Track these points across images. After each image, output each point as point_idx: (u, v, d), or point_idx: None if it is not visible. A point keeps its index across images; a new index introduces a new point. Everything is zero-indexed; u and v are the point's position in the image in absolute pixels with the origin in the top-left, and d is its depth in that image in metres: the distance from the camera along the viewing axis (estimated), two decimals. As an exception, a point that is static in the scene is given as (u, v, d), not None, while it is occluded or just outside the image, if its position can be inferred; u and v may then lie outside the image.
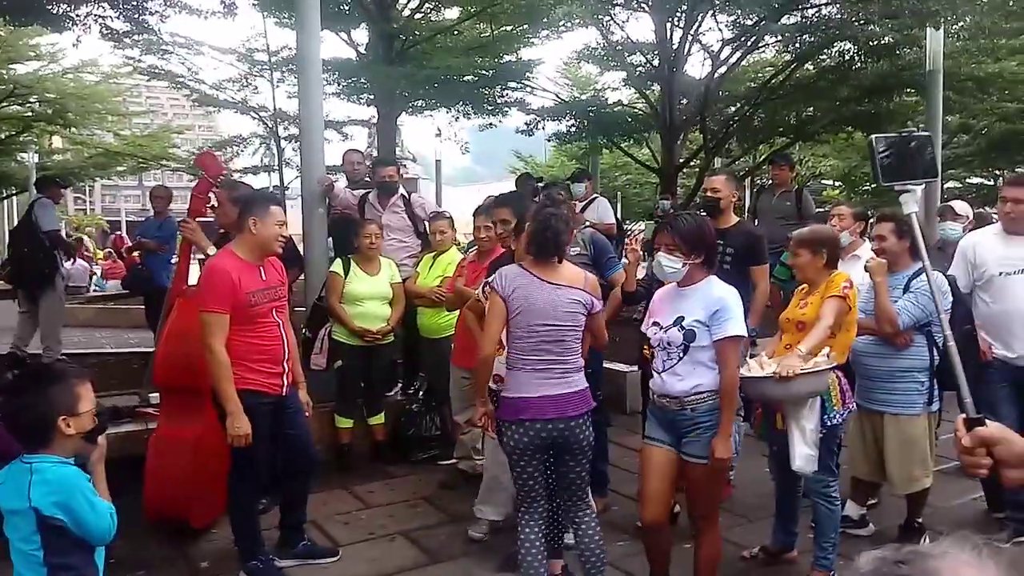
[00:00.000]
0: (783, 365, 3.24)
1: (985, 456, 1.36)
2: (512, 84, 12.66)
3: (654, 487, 3.21)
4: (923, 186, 1.94)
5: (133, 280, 8.74)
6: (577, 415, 3.20)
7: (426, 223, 5.74)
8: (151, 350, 6.70)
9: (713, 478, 3.19)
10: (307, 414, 3.92)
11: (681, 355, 3.07)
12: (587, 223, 5.18)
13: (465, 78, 11.78)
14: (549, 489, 3.39)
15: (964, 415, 1.43)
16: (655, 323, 3.21)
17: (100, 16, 8.65)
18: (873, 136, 1.89)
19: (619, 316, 4.04)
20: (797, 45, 11.01)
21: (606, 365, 5.18)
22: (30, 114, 14.46)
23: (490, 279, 3.51)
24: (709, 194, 4.58)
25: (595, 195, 8.12)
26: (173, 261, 9.33)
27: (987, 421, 1.39)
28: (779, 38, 11.30)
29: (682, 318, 3.07)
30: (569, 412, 3.17)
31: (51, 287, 7.17)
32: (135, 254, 8.84)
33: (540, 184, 7.70)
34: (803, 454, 3.36)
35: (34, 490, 2.10)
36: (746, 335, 2.91)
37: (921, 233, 1.90)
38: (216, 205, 4.55)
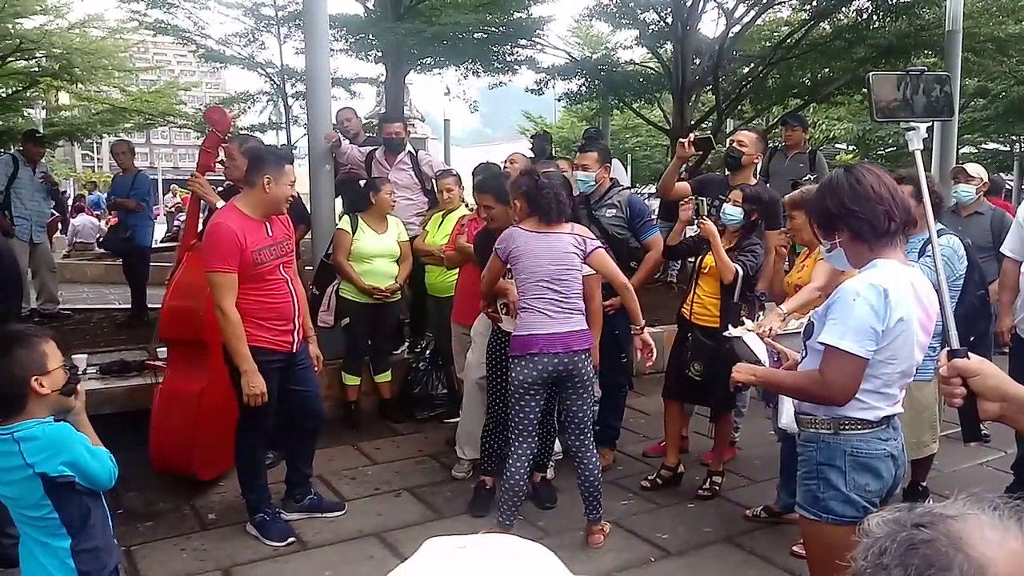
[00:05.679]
0: (758, 323, 3.21)
1: (960, 386, 1.40)
2: (522, 42, 12.41)
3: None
4: (930, 124, 1.90)
5: (110, 240, 8.60)
6: (580, 350, 3.50)
7: (433, 181, 5.69)
8: (154, 306, 6.71)
9: (815, 540, 2.32)
10: (317, 369, 3.94)
11: (804, 354, 2.35)
12: (624, 186, 5.11)
13: (475, 35, 11.57)
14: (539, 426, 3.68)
15: (948, 347, 1.48)
16: None
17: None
18: (871, 74, 1.87)
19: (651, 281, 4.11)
20: (814, 2, 10.76)
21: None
22: (36, 69, 14.24)
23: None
24: (735, 146, 4.50)
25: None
26: (155, 216, 9.10)
27: (970, 354, 1.42)
28: (796, -6, 11.05)
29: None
30: (573, 347, 3.46)
31: None
32: (114, 214, 8.70)
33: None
34: (788, 412, 3.33)
35: (31, 457, 2.05)
36: (856, 352, 2.09)
37: (935, 192, 1.87)
38: (225, 160, 4.52)
